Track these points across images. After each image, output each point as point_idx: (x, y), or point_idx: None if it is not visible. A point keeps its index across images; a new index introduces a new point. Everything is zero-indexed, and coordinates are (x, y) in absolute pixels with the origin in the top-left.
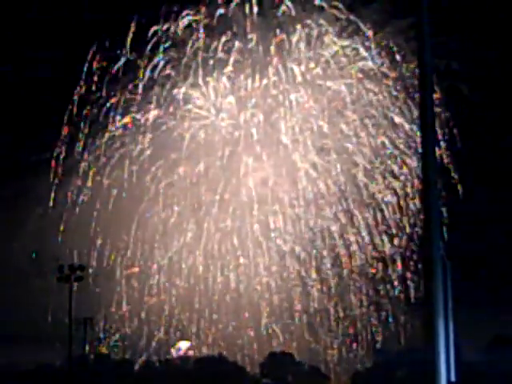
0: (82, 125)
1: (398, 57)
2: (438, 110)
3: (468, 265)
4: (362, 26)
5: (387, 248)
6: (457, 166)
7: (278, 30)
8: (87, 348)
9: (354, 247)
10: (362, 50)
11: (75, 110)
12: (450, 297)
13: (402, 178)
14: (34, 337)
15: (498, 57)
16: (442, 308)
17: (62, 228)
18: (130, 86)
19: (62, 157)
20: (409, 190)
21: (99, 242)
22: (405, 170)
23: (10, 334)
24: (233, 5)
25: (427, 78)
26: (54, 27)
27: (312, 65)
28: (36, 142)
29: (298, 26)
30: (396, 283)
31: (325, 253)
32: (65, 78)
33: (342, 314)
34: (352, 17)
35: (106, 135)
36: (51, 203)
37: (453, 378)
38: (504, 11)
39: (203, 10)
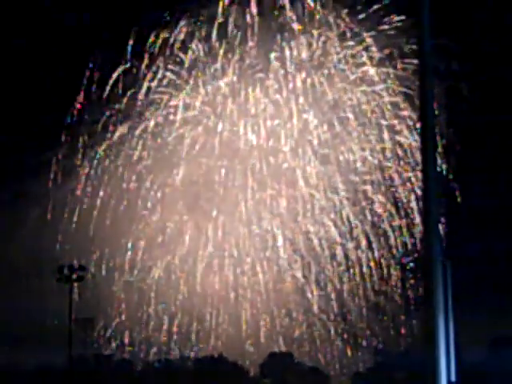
0: (82, 130)
1: (398, 65)
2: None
3: (469, 265)
4: (363, 33)
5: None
6: (456, 166)
7: (278, 37)
8: (88, 349)
9: (353, 255)
10: (363, 57)
11: (75, 112)
12: (450, 296)
13: (401, 183)
14: (35, 337)
15: (498, 56)
16: (442, 308)
17: (60, 235)
18: (131, 93)
19: (61, 159)
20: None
21: (98, 244)
22: (405, 176)
23: (11, 335)
24: (233, 12)
25: (427, 79)
26: (56, 30)
27: (312, 71)
28: (36, 144)
29: (299, 33)
30: (396, 285)
31: (324, 256)
32: (66, 80)
33: (342, 317)
34: (353, 24)
35: (107, 141)
36: (50, 206)
37: (453, 379)
38: (504, 11)
39: (203, 17)
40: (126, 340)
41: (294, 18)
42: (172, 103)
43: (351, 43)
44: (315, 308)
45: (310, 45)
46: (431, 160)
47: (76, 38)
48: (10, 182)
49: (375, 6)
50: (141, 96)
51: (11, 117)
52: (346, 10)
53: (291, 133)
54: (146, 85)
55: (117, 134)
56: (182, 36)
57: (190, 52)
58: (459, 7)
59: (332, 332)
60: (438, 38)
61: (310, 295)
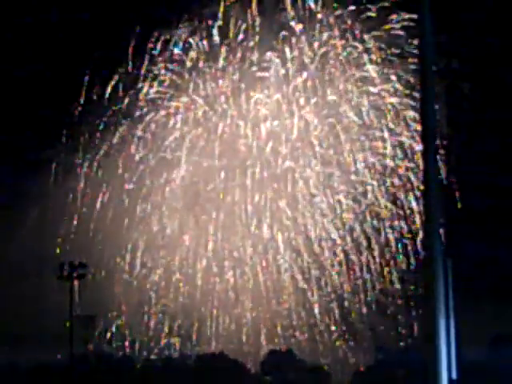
0: (82, 129)
1: (402, 65)
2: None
3: (469, 264)
4: (365, 33)
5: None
6: (456, 165)
7: (279, 37)
8: (89, 346)
9: (353, 255)
10: (365, 57)
11: (76, 112)
12: (451, 294)
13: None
14: (35, 335)
15: (499, 55)
16: (443, 306)
17: (60, 235)
18: (131, 93)
19: (62, 159)
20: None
21: (98, 244)
22: (404, 178)
23: (11, 334)
24: (234, 12)
25: (428, 77)
26: (57, 29)
27: (313, 71)
28: (36, 142)
29: (300, 32)
30: (396, 283)
31: (324, 255)
32: (67, 78)
33: (342, 315)
34: (357, 23)
35: (107, 141)
36: (50, 206)
37: (454, 376)
38: (504, 8)
39: (203, 21)
40: (127, 338)
41: (296, 18)
42: (173, 103)
43: (354, 43)
44: (316, 307)
45: (311, 44)
46: (432, 159)
47: (77, 36)
48: (9, 181)
49: (381, 4)
50: (141, 96)
51: (11, 116)
52: (350, 8)
53: (291, 133)
54: (146, 85)
55: (117, 134)
56: (183, 36)
57: (190, 52)
58: (459, 5)
59: (332, 330)
60: (439, 36)
61: (309, 294)
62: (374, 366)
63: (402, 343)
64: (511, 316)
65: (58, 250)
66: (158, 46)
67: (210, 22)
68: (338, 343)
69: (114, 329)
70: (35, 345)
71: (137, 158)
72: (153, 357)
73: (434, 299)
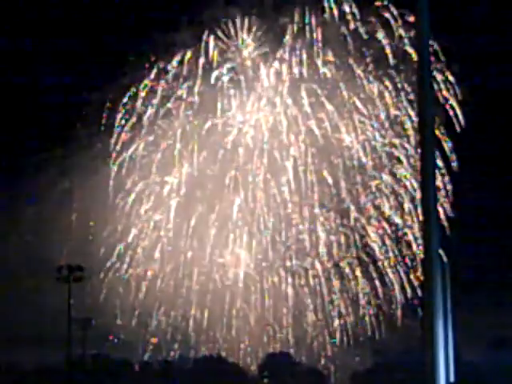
0: (82, 130)
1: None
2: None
3: (468, 265)
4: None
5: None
6: (455, 167)
7: (277, 57)
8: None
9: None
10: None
11: (76, 112)
12: (449, 297)
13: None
14: (34, 337)
15: (498, 57)
16: (441, 309)
17: (58, 236)
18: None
19: (60, 159)
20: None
21: (96, 245)
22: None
23: (10, 335)
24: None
25: (426, 79)
26: (59, 31)
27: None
28: (35, 143)
29: (300, 53)
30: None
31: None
32: (68, 79)
33: (340, 317)
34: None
35: (109, 144)
36: (48, 207)
37: (452, 379)
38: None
39: (201, 45)
40: (125, 340)
41: (296, 36)
42: (166, 121)
43: (354, 62)
44: (313, 309)
45: (310, 63)
46: (430, 161)
47: (76, 42)
48: (8, 181)
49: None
50: (136, 113)
51: (10, 116)
52: (351, 27)
53: (288, 153)
54: (144, 107)
55: (120, 140)
56: (179, 55)
57: (187, 69)
58: (458, 7)
59: (330, 332)
60: (438, 38)
61: (308, 297)
62: (373, 368)
63: (400, 346)
64: (510, 319)
65: (56, 248)
66: (156, 72)
67: (207, 40)
68: (335, 346)
69: (111, 331)
70: (34, 345)
71: (130, 180)
72: (151, 359)
73: (432, 303)
